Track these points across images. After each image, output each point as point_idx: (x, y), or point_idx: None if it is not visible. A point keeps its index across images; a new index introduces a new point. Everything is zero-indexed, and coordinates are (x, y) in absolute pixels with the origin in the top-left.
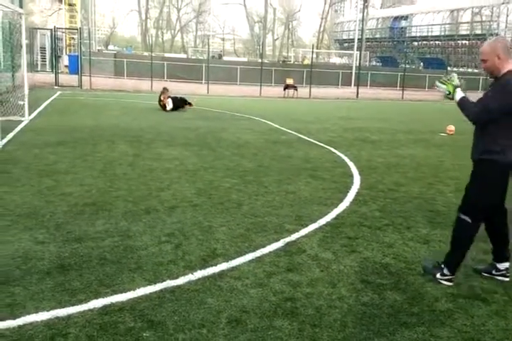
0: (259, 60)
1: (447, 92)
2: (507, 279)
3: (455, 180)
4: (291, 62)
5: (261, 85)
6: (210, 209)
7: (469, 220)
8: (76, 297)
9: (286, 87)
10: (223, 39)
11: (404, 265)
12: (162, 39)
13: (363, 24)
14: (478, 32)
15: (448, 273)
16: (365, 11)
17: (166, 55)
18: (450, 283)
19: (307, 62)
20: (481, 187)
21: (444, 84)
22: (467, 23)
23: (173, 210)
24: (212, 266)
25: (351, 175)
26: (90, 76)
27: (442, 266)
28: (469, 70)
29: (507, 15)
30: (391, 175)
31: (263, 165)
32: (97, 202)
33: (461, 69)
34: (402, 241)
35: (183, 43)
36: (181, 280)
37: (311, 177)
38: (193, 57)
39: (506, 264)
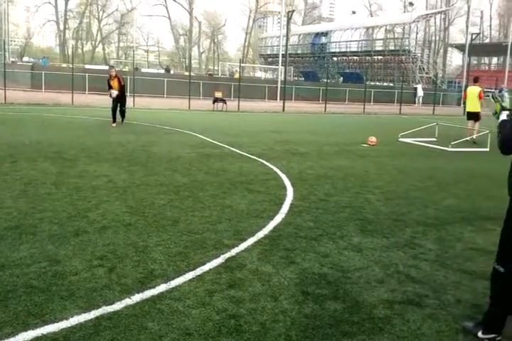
0: (186, 73)
1: (494, 112)
2: None
3: (380, 189)
4: (218, 75)
5: (189, 98)
6: (144, 228)
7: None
8: (2, 330)
9: (215, 100)
10: (147, 51)
11: (341, 274)
12: (82, 50)
13: (287, 40)
14: (392, 48)
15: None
16: (288, 27)
17: (87, 66)
18: None
19: (237, 76)
20: None
21: (496, 101)
22: (382, 39)
23: (104, 231)
24: (150, 288)
25: (284, 187)
26: (5, 89)
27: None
28: (385, 84)
29: (417, 33)
30: (321, 186)
31: (197, 180)
32: (20, 226)
33: (377, 83)
34: (337, 251)
35: (105, 55)
36: (118, 306)
37: (247, 191)
38: (116, 69)
39: None
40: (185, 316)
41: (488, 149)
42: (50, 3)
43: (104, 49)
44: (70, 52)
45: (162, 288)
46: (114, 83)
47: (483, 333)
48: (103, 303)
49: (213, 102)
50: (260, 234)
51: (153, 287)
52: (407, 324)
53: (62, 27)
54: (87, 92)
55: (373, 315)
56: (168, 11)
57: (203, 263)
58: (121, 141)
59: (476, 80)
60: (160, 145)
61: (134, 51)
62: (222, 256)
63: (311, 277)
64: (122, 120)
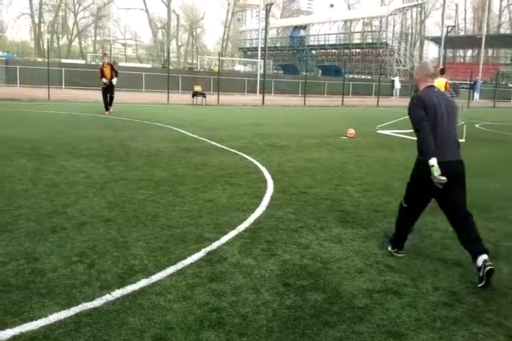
0: (165, 67)
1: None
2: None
3: (359, 180)
4: (198, 69)
5: (168, 92)
6: (124, 224)
7: None
8: None
9: (195, 94)
10: (124, 44)
11: (321, 265)
12: (58, 44)
13: (266, 33)
14: (370, 41)
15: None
16: (267, 20)
17: (63, 60)
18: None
19: (216, 69)
20: None
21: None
22: (359, 32)
23: (82, 227)
24: (131, 283)
25: (265, 180)
26: None
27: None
28: (363, 77)
29: (394, 26)
30: (301, 179)
31: (177, 174)
32: None
33: (355, 76)
34: (317, 242)
35: (82, 49)
36: (98, 302)
37: (227, 184)
38: (92, 63)
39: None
40: (167, 310)
41: (463, 140)
42: None
43: (80, 43)
44: (45, 47)
45: (143, 283)
46: (107, 70)
47: (391, 248)
48: (83, 300)
49: (192, 96)
50: (241, 227)
51: (134, 282)
52: (386, 313)
53: (37, 20)
54: (63, 87)
55: (353, 305)
56: (145, 4)
57: (184, 258)
58: (100, 136)
59: (442, 72)
60: (139, 139)
61: (111, 45)
62: (203, 250)
63: (292, 268)
64: (110, 106)
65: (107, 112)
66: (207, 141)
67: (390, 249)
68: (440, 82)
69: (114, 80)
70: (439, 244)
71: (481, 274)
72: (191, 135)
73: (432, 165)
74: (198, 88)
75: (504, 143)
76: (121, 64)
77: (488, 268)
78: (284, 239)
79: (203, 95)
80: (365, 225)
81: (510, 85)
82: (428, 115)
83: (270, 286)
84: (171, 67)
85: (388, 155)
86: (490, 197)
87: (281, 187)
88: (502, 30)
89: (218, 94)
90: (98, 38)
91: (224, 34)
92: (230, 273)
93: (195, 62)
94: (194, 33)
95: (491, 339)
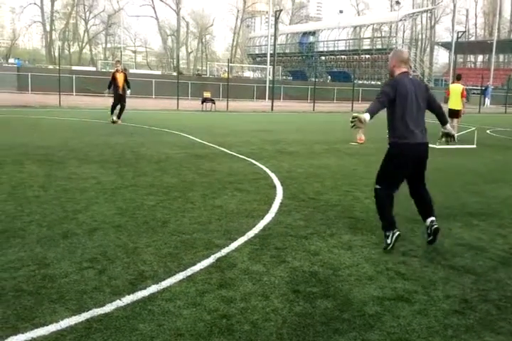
0: (174, 73)
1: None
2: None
3: (369, 186)
4: (207, 75)
5: (178, 98)
6: (134, 230)
7: None
8: None
9: (204, 100)
10: (135, 52)
11: (331, 272)
12: (69, 51)
13: (275, 39)
14: (379, 47)
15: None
16: (276, 26)
17: (74, 67)
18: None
19: (226, 75)
20: None
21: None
22: (369, 38)
23: (93, 233)
24: (141, 289)
25: (274, 186)
26: None
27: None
28: (373, 83)
29: (403, 32)
30: (311, 185)
31: (187, 181)
32: (8, 229)
33: (365, 82)
34: (327, 249)
35: (92, 56)
36: (108, 308)
37: (236, 190)
38: (103, 70)
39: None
40: (177, 317)
41: (475, 146)
42: (35, 4)
43: (91, 50)
44: (56, 54)
45: (153, 289)
46: (120, 78)
47: (388, 238)
48: (93, 306)
49: (202, 102)
50: (250, 234)
51: (144, 288)
52: (397, 320)
53: (48, 28)
54: (74, 94)
55: (364, 312)
56: (155, 12)
57: (194, 264)
58: (110, 143)
59: (458, 78)
60: (149, 146)
61: (121, 52)
62: (212, 256)
63: (302, 275)
64: (119, 117)
65: (116, 121)
66: (216, 147)
67: (389, 241)
68: (457, 88)
69: (129, 92)
70: (450, 252)
71: (429, 231)
72: (200, 141)
73: (363, 114)
74: (207, 94)
75: None
76: (131, 71)
77: (434, 227)
78: (293, 246)
79: (213, 101)
80: (375, 232)
81: None
82: (399, 101)
83: (280, 293)
84: (180, 74)
85: None
86: (501, 203)
87: (291, 194)
88: None
89: (227, 100)
90: (108, 45)
91: (233, 40)
92: (239, 280)
93: (204, 68)
94: (203, 40)
95: None
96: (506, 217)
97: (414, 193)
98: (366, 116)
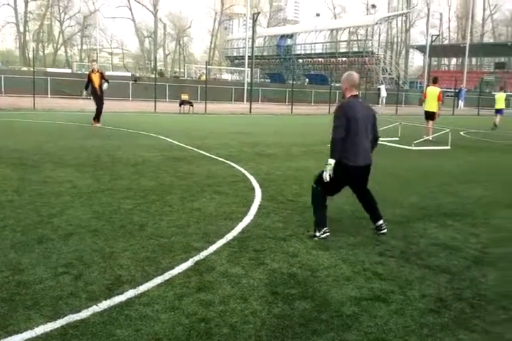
0: (152, 76)
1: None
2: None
3: (344, 188)
4: (185, 77)
5: (155, 101)
6: (111, 234)
7: None
8: None
9: (182, 102)
10: (111, 53)
11: (309, 273)
12: (43, 53)
13: (253, 42)
14: (356, 50)
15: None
16: (254, 29)
17: (49, 69)
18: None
19: (204, 78)
20: None
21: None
22: (346, 41)
23: (69, 238)
24: (118, 294)
25: (253, 189)
26: None
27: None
28: None
29: (379, 35)
30: (289, 187)
31: (165, 184)
32: None
33: None
34: (305, 250)
35: (67, 57)
36: (85, 314)
37: (215, 193)
38: (78, 72)
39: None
40: (155, 321)
41: (449, 147)
42: (9, 4)
43: (66, 52)
44: (30, 55)
45: (130, 293)
46: (96, 78)
47: (318, 232)
48: (69, 312)
49: (180, 105)
50: (229, 236)
51: (121, 293)
52: (374, 320)
53: (22, 29)
54: (49, 96)
55: (341, 313)
56: (132, 13)
57: (172, 267)
58: (86, 146)
59: (435, 81)
60: (126, 149)
61: (97, 54)
62: (191, 260)
63: (280, 277)
64: (98, 119)
65: (96, 124)
66: (194, 149)
67: (318, 234)
68: (433, 91)
69: (105, 85)
70: (426, 252)
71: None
72: (178, 144)
73: (330, 164)
74: (185, 96)
75: (488, 151)
76: (108, 73)
77: (382, 231)
78: (272, 248)
79: (190, 104)
80: (352, 233)
81: (493, 93)
82: (350, 126)
83: (258, 295)
84: (158, 76)
85: (374, 163)
86: (474, 203)
87: (269, 196)
88: (485, 39)
89: (206, 102)
90: (84, 47)
91: (211, 43)
92: (218, 283)
93: (182, 70)
94: (181, 42)
95: None
96: (479, 217)
97: (361, 199)
98: (332, 162)
